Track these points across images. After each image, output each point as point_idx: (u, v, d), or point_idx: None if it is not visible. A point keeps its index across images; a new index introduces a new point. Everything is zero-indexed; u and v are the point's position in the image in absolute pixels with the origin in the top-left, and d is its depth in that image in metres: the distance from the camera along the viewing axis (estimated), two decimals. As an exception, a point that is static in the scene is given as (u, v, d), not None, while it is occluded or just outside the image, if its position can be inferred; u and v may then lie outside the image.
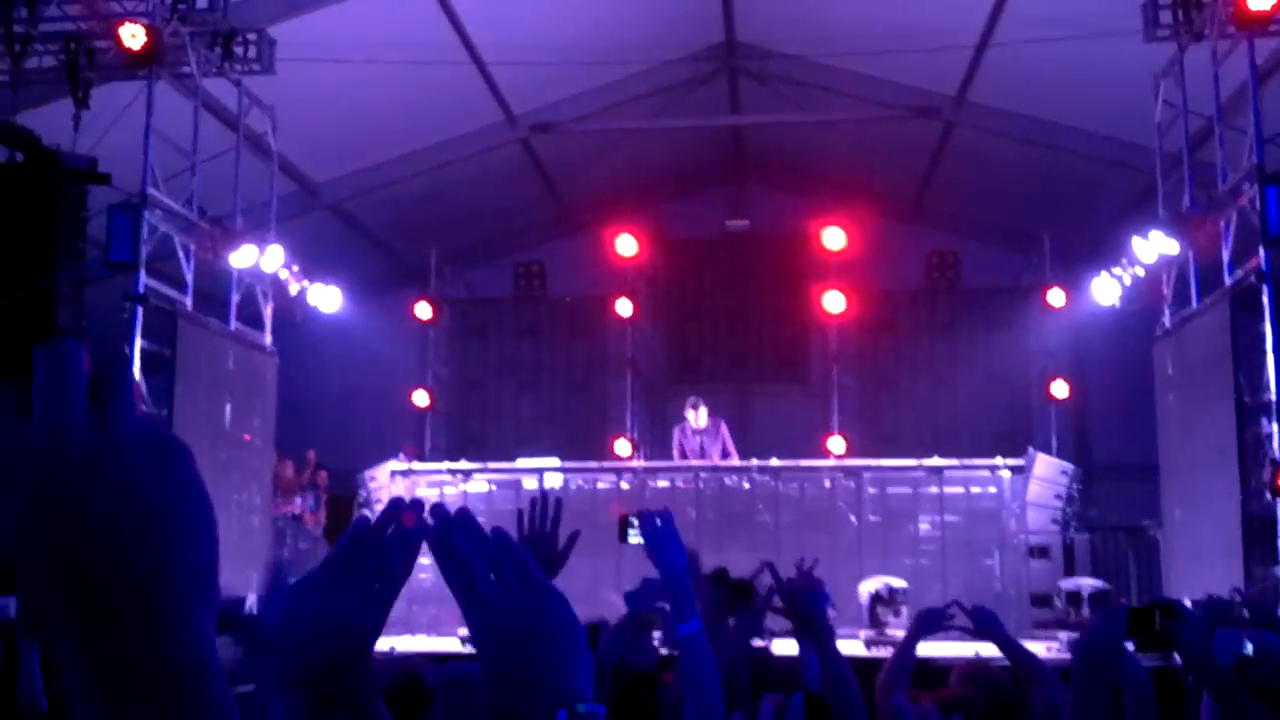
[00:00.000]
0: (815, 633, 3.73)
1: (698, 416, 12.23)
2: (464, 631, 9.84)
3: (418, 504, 1.31)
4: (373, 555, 1.31)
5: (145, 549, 0.83)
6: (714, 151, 17.26)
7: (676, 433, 12.50)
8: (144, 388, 10.22)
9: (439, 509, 1.27)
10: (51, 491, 0.81)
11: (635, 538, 2.86)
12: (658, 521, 2.86)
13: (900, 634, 9.88)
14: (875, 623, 9.81)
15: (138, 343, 10.23)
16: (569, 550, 2.75)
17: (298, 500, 12.93)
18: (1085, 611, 10.07)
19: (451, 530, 1.25)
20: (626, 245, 15.71)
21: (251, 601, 10.04)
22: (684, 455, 12.31)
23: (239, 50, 11.00)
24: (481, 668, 1.25)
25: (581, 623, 1.25)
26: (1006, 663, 4.39)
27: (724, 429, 12.34)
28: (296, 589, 1.33)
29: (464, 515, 1.25)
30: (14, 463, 0.81)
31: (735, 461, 12.17)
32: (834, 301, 15.47)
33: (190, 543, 0.86)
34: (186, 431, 10.41)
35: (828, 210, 15.55)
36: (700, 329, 16.60)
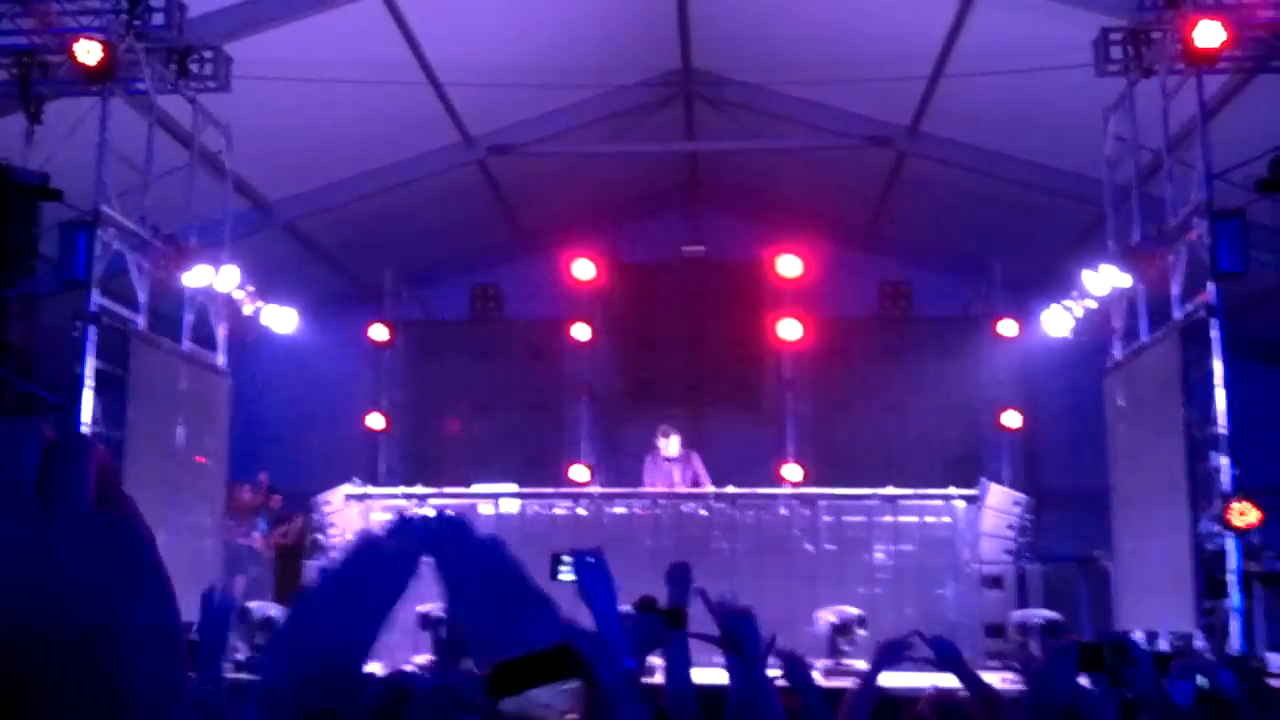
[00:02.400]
0: (749, 656, 3.68)
1: (669, 445, 12.19)
2: (420, 659, 9.74)
3: (428, 519, 1.30)
4: (380, 573, 1.29)
5: (89, 666, 0.77)
6: (670, 176, 17.32)
7: (647, 461, 12.41)
8: (97, 409, 10.05)
9: (444, 518, 1.27)
10: None
11: (567, 575, 2.85)
12: (590, 560, 2.89)
13: (858, 663, 9.93)
14: (834, 652, 9.81)
15: (89, 362, 10.06)
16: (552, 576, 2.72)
17: (256, 534, 12.79)
18: (1036, 643, 10.13)
19: (452, 539, 1.24)
20: (583, 269, 15.71)
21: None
22: (653, 485, 12.23)
23: (194, 67, 10.90)
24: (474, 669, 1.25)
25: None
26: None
27: (696, 459, 12.30)
28: (300, 606, 1.30)
29: (462, 524, 1.26)
30: None
31: (699, 489, 12.12)
32: (788, 328, 15.53)
33: (149, 653, 0.80)
34: (139, 453, 10.26)
35: (782, 237, 15.63)
36: (656, 354, 16.60)
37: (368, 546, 1.31)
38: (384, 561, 1.30)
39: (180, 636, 0.85)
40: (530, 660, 1.15)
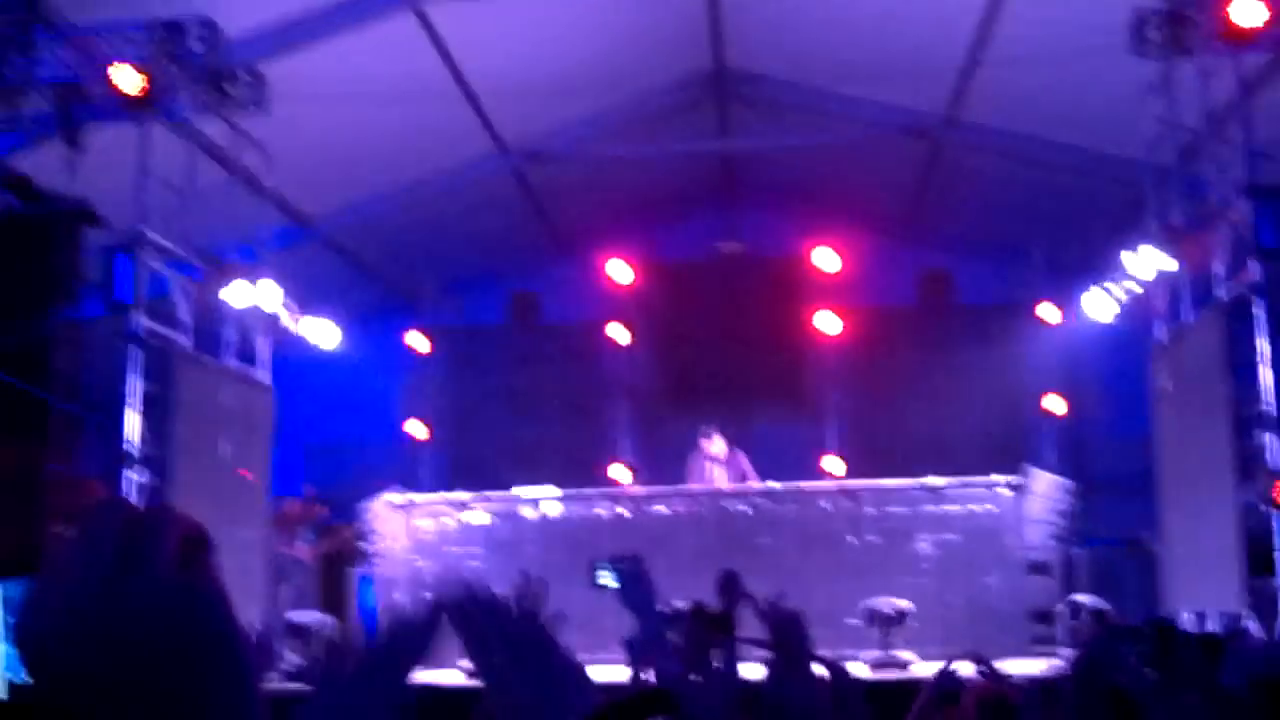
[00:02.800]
0: (796, 659, 3.72)
1: (713, 445, 12.28)
2: (464, 663, 9.84)
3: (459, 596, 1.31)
4: (414, 652, 1.30)
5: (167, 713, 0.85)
6: (705, 175, 17.33)
7: (690, 460, 12.51)
8: (143, 428, 10.22)
9: (464, 586, 1.30)
10: (70, 654, 0.85)
11: (606, 581, 2.89)
12: (628, 566, 2.90)
13: (906, 654, 9.92)
14: (881, 644, 9.80)
15: (135, 382, 10.24)
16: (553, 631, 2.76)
17: (302, 545, 12.95)
18: (1084, 629, 10.08)
19: (474, 608, 1.27)
20: (619, 271, 15.77)
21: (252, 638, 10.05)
22: (697, 483, 12.33)
23: (232, 90, 11.03)
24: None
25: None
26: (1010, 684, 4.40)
27: (742, 457, 12.37)
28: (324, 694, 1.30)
29: (488, 594, 1.28)
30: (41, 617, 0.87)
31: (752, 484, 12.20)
32: (828, 322, 15.49)
33: (224, 695, 0.88)
34: (184, 470, 10.43)
35: (820, 230, 15.60)
36: (695, 352, 16.61)
37: (398, 624, 1.34)
38: (412, 638, 1.33)
39: (256, 698, 0.91)
40: (627, 704, 1.17)
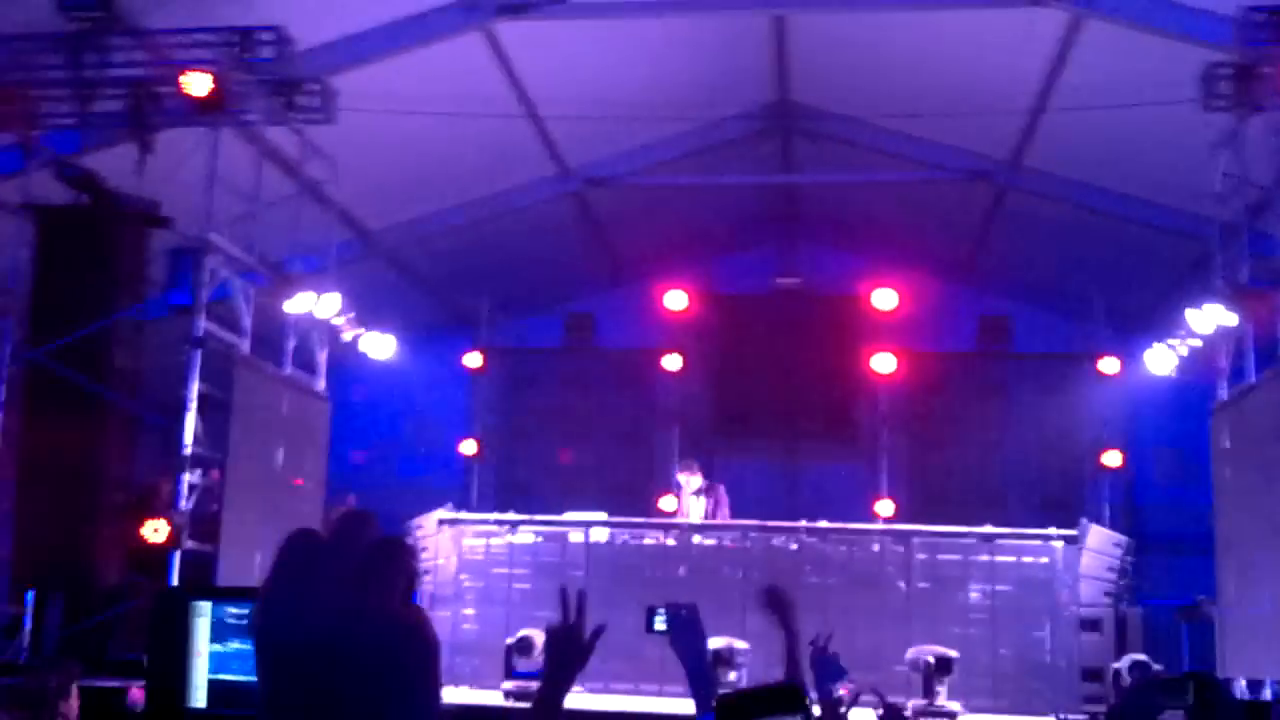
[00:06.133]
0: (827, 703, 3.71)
1: (688, 483, 12.35)
2: (507, 685, 9.80)
3: None
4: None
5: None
6: (766, 208, 17.30)
7: (676, 498, 12.58)
8: (200, 430, 10.29)
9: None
10: (317, 657, 0.99)
11: (661, 625, 2.99)
12: (683, 614, 2.99)
13: (952, 705, 9.77)
14: (926, 693, 9.65)
15: (195, 386, 10.32)
16: (594, 642, 2.77)
17: None
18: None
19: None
20: (676, 300, 15.75)
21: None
22: (682, 516, 12.40)
23: (301, 100, 11.14)
24: None
25: None
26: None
27: (720, 492, 12.41)
28: None
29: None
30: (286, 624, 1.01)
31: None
32: (884, 362, 15.39)
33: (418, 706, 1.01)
34: (239, 474, 10.49)
35: (879, 270, 15.51)
36: (748, 385, 16.54)
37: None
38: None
39: (437, 693, 1.08)
40: (759, 694, 1.30)
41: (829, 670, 3.64)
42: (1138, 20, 10.73)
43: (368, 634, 0.98)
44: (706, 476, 12.67)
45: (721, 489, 12.50)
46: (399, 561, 1.01)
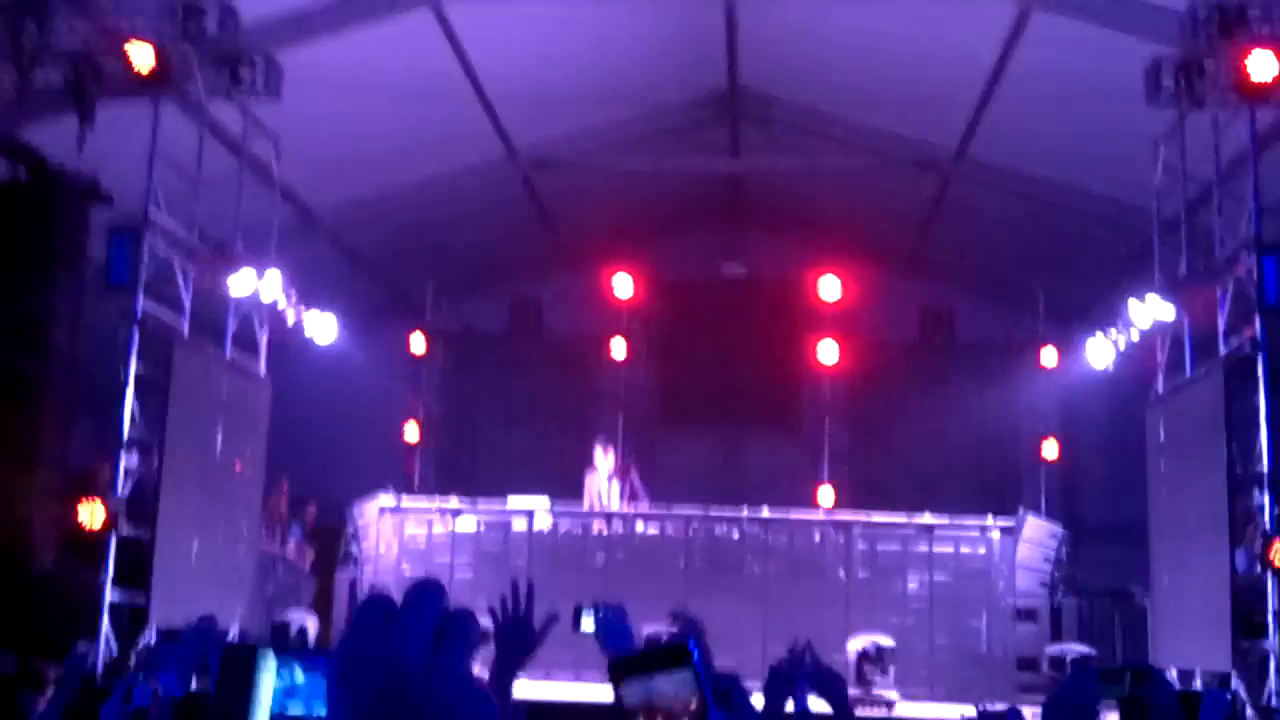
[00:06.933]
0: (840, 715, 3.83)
1: (604, 461, 12.33)
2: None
3: None
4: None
5: None
6: (713, 194, 17.29)
7: (587, 475, 12.51)
8: (138, 412, 10.10)
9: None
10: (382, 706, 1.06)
11: (588, 625, 3.06)
12: (610, 613, 3.09)
13: (888, 693, 9.87)
14: (862, 681, 9.74)
15: (133, 367, 10.10)
16: (545, 632, 2.78)
17: (291, 543, 12.84)
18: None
19: None
20: (622, 286, 15.73)
21: (234, 632, 9.95)
22: (591, 498, 12.33)
23: (246, 75, 10.96)
24: None
25: None
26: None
27: (634, 474, 12.42)
28: None
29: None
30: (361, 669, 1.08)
31: (645, 506, 12.20)
32: (827, 351, 15.47)
33: None
34: (177, 457, 10.33)
35: (824, 258, 15.58)
36: (692, 372, 16.58)
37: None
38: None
39: None
40: (651, 652, 1.36)
41: (814, 680, 3.76)
42: (1085, 14, 10.83)
43: (448, 697, 1.05)
44: (642, 460, 12.64)
45: (635, 471, 12.48)
46: (472, 631, 1.09)
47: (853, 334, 15.58)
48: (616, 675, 1.34)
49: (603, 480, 12.40)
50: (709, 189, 17.15)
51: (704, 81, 14.21)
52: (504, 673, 2.58)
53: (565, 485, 13.48)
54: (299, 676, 2.37)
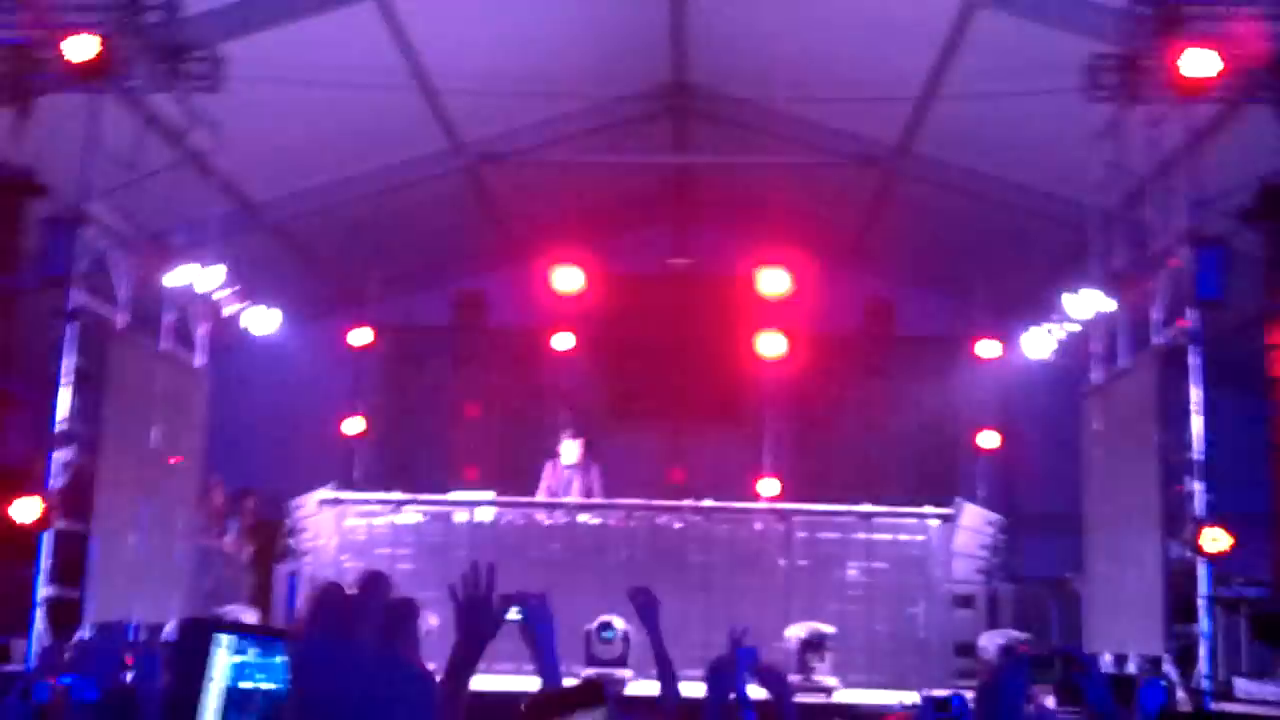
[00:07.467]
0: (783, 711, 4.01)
1: (568, 452, 12.33)
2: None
3: None
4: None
5: None
6: (659, 188, 17.34)
7: (546, 467, 12.51)
8: (73, 406, 9.98)
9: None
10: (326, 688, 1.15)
11: (514, 616, 3.13)
12: (534, 604, 3.20)
13: (828, 680, 9.96)
14: (803, 668, 9.83)
15: (68, 360, 9.97)
16: (503, 613, 2.83)
17: (228, 537, 12.75)
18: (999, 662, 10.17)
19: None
20: (567, 279, 15.72)
21: (170, 628, 9.87)
22: (552, 493, 12.32)
23: (188, 67, 10.86)
24: None
25: None
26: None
27: (595, 471, 12.43)
28: None
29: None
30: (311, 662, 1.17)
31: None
32: (771, 343, 15.56)
33: None
34: (113, 451, 10.22)
35: (768, 252, 15.66)
36: (638, 365, 16.62)
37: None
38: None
39: None
40: (565, 693, 1.52)
41: (748, 662, 3.93)
42: (1027, 11, 10.98)
43: (398, 684, 1.16)
44: (588, 456, 12.63)
45: (596, 469, 12.48)
46: (414, 620, 1.26)
47: (796, 327, 15.68)
48: (533, 717, 1.49)
49: (562, 472, 12.38)
50: (656, 184, 17.20)
51: (651, 75, 14.27)
52: (465, 659, 2.57)
53: (510, 480, 13.48)
54: (252, 654, 2.39)
